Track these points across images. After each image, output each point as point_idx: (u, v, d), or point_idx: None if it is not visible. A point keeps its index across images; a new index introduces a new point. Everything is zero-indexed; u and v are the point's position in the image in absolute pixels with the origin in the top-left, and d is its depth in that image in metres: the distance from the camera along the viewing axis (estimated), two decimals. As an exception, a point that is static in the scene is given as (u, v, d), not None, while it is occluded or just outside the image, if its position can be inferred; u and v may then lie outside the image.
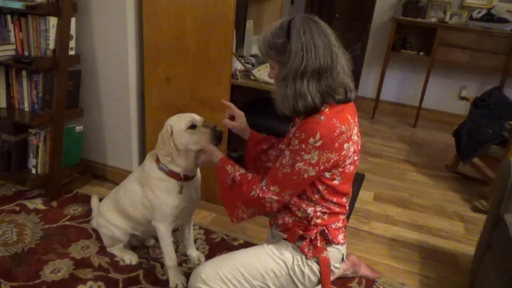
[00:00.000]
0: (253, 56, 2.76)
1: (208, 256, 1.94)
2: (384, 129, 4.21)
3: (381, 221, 2.43)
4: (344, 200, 1.35)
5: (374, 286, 1.86)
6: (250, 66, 2.42)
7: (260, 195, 1.26)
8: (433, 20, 4.08)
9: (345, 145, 1.21)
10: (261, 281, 1.28)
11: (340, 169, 1.25)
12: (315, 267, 1.31)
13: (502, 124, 2.77)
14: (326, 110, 1.21)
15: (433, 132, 4.27)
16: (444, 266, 2.07)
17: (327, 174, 1.25)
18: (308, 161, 1.19)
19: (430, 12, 4.19)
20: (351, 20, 6.10)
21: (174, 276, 1.73)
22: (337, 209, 1.33)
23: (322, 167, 1.21)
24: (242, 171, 1.35)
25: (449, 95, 4.54)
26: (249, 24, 2.75)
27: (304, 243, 1.31)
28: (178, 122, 1.53)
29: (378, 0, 4.49)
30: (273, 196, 1.25)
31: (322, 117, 1.19)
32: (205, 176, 1.85)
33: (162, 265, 1.84)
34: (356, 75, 4.91)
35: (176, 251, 1.94)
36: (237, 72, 2.19)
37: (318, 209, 1.30)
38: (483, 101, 3.07)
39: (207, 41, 2.05)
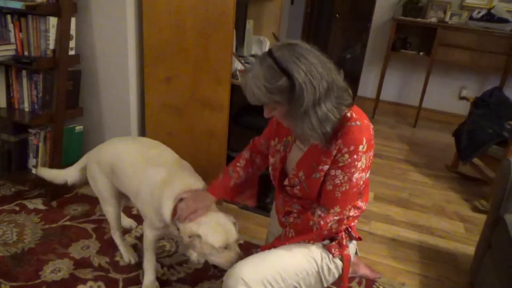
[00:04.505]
0: (253, 56, 2.76)
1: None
2: (384, 129, 4.21)
3: (381, 221, 2.43)
4: (368, 196, 1.42)
5: (374, 286, 1.86)
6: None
7: (322, 222, 1.25)
8: (433, 20, 4.08)
9: (374, 140, 1.24)
10: (295, 280, 1.29)
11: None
12: (339, 264, 1.35)
13: (502, 124, 2.77)
14: (354, 114, 1.20)
15: (433, 132, 4.27)
16: (444, 266, 2.07)
17: None
18: (360, 168, 1.19)
19: (430, 12, 4.19)
20: (351, 20, 6.09)
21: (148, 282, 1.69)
22: (364, 207, 1.39)
23: (369, 168, 1.24)
24: (291, 233, 1.34)
25: (449, 95, 4.54)
26: (249, 24, 2.75)
27: (333, 243, 1.34)
28: (213, 235, 1.35)
29: (378, 0, 4.49)
30: (334, 218, 1.25)
31: (358, 122, 1.18)
32: (205, 177, 1.85)
33: (162, 265, 1.84)
34: (356, 75, 4.91)
35: (176, 251, 1.94)
36: (237, 72, 2.19)
37: (353, 210, 1.36)
38: (483, 101, 3.07)
39: (207, 41, 2.05)
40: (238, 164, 1.51)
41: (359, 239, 1.41)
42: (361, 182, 1.24)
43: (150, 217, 1.57)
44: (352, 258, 1.42)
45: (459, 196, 2.87)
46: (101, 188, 1.74)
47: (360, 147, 1.16)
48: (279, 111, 1.16)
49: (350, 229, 1.38)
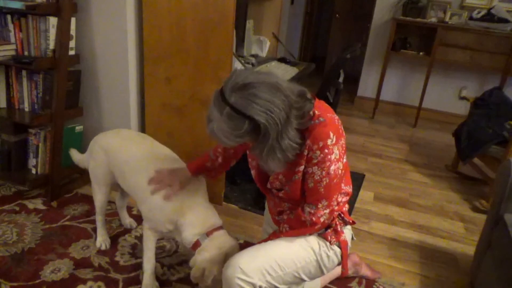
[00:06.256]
0: (253, 56, 2.77)
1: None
2: (384, 129, 4.21)
3: (381, 221, 2.43)
4: (349, 179, 1.44)
5: (374, 286, 1.86)
6: (250, 66, 2.42)
7: (314, 218, 1.29)
8: (433, 20, 4.08)
9: (341, 127, 1.27)
10: (293, 269, 1.32)
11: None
12: (338, 250, 1.39)
13: (502, 124, 2.77)
14: (316, 112, 1.21)
15: (433, 132, 4.27)
16: (444, 266, 2.07)
17: None
18: (335, 159, 1.22)
19: (430, 12, 4.19)
20: (351, 20, 6.10)
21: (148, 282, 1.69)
22: (350, 190, 1.42)
23: (343, 155, 1.27)
24: (285, 228, 1.37)
25: (449, 95, 4.55)
26: (249, 24, 2.75)
27: (328, 230, 1.37)
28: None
29: (378, 0, 4.49)
30: (325, 211, 1.29)
31: (321, 118, 1.20)
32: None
33: (162, 265, 1.84)
34: (356, 75, 4.92)
35: (176, 251, 1.94)
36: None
37: (341, 196, 1.38)
38: (483, 101, 3.07)
39: (207, 41, 2.05)
40: (219, 149, 1.56)
41: (353, 223, 1.44)
42: (340, 172, 1.26)
43: (154, 222, 1.58)
44: (349, 243, 1.44)
45: (459, 196, 2.87)
46: (100, 176, 1.80)
47: (329, 141, 1.19)
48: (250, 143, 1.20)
49: (342, 215, 1.41)
